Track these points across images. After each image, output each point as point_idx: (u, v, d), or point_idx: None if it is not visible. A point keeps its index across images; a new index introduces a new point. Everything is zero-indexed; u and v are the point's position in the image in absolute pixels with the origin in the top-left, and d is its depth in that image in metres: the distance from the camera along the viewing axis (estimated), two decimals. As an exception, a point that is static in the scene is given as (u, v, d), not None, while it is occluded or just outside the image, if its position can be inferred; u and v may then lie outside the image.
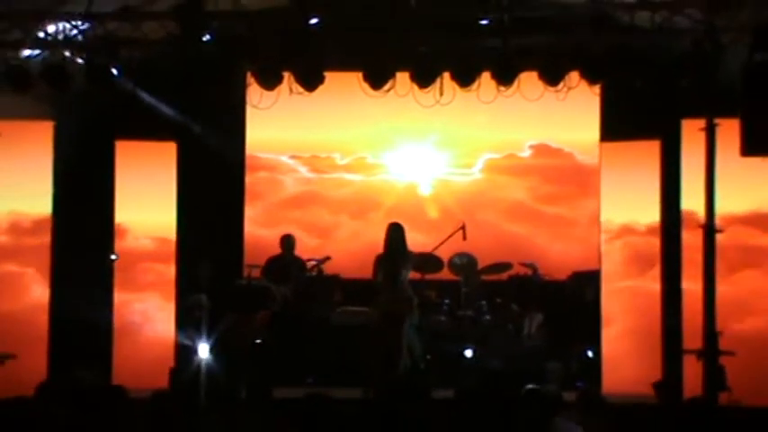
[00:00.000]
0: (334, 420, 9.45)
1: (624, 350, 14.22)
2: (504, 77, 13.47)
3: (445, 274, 15.61)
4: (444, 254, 15.57)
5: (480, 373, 14.14)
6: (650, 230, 14.37)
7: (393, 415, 9.84)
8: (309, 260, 15.59)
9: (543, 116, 16.01)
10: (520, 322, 15.22)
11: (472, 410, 10.35)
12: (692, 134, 12.25)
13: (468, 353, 14.56)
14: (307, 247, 16.01)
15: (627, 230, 14.62)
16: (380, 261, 14.45)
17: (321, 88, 13.58)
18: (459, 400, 11.02)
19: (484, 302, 15.35)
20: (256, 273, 15.65)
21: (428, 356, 14.64)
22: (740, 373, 11.82)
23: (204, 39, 13.13)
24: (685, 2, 12.36)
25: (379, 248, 14.41)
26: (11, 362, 11.82)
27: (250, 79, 14.36)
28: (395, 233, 14.48)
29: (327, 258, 15.58)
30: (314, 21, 13.05)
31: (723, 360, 11.44)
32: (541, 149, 17.16)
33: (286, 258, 15.55)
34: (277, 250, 15.69)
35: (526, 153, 17.16)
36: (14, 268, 13.20)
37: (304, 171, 17.44)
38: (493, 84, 13.59)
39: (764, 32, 11.08)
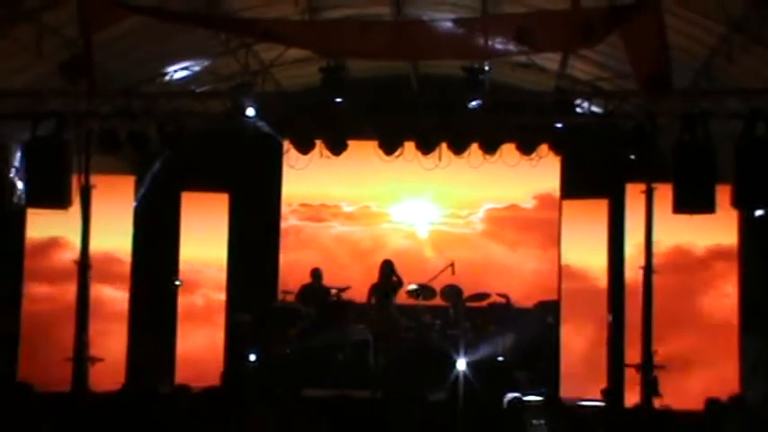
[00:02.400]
0: (354, 416, 9.57)
1: (578, 363, 14.34)
2: (489, 148, 13.63)
3: (437, 301, 15.53)
4: (437, 285, 15.48)
5: (466, 380, 14.17)
6: (599, 270, 14.45)
7: (398, 413, 9.92)
8: (332, 288, 15.54)
9: (519, 178, 16.17)
10: (495, 340, 15.10)
11: (461, 410, 10.49)
12: (634, 195, 12.21)
13: (462, 364, 14.61)
14: (330, 278, 15.93)
15: (581, 269, 14.75)
16: (374, 289, 14.63)
17: (345, 153, 13.77)
18: (450, 402, 11.17)
19: (468, 324, 15.19)
20: (290, 297, 15.77)
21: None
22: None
23: (250, 114, 13.24)
24: (630, 92, 12.52)
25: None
26: (99, 363, 11.86)
27: (288, 145, 14.54)
28: (386, 268, 14.66)
29: (347, 287, 15.44)
30: (339, 100, 13.16)
31: (656, 372, 11.44)
32: (515, 204, 17.25)
33: (315, 286, 15.55)
34: (307, 280, 15.73)
35: (504, 208, 17.26)
36: (105, 291, 13.27)
37: (327, 218, 17.52)
38: (480, 152, 13.80)
39: (690, 118, 11.22)
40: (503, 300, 15.83)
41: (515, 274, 16.91)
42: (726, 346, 13.08)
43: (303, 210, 17.54)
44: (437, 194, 17.26)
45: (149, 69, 14.18)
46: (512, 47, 11.66)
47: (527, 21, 11.57)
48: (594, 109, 12.94)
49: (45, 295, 13.44)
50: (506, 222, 17.30)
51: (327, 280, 15.76)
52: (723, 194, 10.97)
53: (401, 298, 15.03)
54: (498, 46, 11.79)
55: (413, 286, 15.16)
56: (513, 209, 17.27)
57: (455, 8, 13.95)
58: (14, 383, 11.72)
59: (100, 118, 12.50)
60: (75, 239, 12.09)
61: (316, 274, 15.72)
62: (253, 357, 14.37)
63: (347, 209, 17.49)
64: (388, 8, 14.08)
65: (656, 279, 11.52)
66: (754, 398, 12.01)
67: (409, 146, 13.66)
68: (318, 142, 13.79)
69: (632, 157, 12.62)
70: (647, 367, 11.32)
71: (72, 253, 12.45)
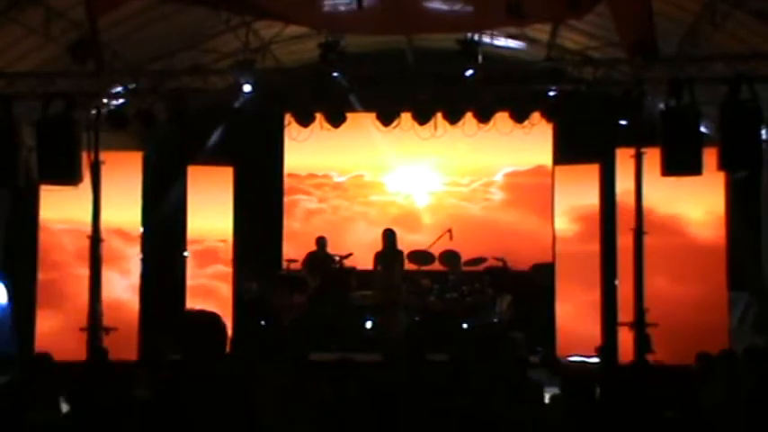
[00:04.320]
0: (358, 378, 9.57)
1: (573, 322, 14.36)
2: (483, 117, 13.64)
3: (436, 266, 15.55)
4: (436, 250, 15.55)
5: (466, 341, 14.20)
6: (592, 233, 14.42)
7: (400, 375, 9.95)
8: (336, 255, 15.51)
9: (513, 145, 16.09)
10: (493, 302, 15.15)
11: (462, 370, 10.50)
12: (624, 160, 12.17)
13: (462, 326, 14.71)
14: (333, 246, 15.87)
15: (574, 233, 14.77)
16: (378, 257, 14.64)
17: (344, 125, 13.78)
18: (453, 362, 11.18)
19: (465, 288, 15.22)
20: (294, 265, 15.78)
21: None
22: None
23: (246, 90, 13.23)
24: (619, 60, 12.50)
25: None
26: (113, 333, 11.87)
27: (290, 119, 14.53)
28: (389, 237, 14.66)
29: (350, 254, 15.40)
30: (337, 74, 13.15)
31: (648, 330, 11.42)
32: (510, 171, 17.16)
33: (319, 254, 15.52)
34: (312, 248, 15.67)
35: (499, 175, 17.13)
36: (115, 262, 13.29)
37: (330, 188, 17.49)
38: (474, 121, 13.78)
39: (676, 84, 11.19)
40: (499, 264, 15.80)
41: (511, 238, 16.83)
42: (714, 302, 13.07)
43: (305, 180, 17.49)
44: (433, 162, 17.09)
45: (155, 49, 14.12)
46: (503, 19, 11.62)
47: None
48: (585, 77, 12.90)
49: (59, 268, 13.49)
50: (501, 188, 17.19)
51: (331, 248, 15.76)
52: (710, 156, 10.96)
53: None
54: (490, 19, 11.76)
55: None
56: (505, 176, 17.17)
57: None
58: (34, 354, 11.75)
59: (108, 97, 12.50)
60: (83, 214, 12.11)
61: (320, 242, 15.70)
62: (262, 323, 14.38)
63: (339, 179, 17.39)
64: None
65: (646, 239, 11.50)
66: (742, 351, 12.03)
67: (406, 117, 13.68)
68: (318, 115, 13.78)
69: (622, 122, 12.62)
70: (640, 325, 11.30)
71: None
